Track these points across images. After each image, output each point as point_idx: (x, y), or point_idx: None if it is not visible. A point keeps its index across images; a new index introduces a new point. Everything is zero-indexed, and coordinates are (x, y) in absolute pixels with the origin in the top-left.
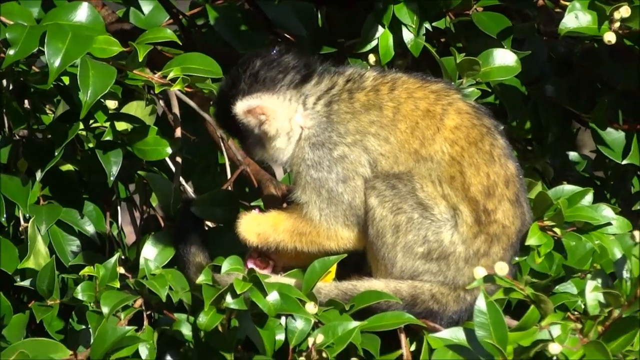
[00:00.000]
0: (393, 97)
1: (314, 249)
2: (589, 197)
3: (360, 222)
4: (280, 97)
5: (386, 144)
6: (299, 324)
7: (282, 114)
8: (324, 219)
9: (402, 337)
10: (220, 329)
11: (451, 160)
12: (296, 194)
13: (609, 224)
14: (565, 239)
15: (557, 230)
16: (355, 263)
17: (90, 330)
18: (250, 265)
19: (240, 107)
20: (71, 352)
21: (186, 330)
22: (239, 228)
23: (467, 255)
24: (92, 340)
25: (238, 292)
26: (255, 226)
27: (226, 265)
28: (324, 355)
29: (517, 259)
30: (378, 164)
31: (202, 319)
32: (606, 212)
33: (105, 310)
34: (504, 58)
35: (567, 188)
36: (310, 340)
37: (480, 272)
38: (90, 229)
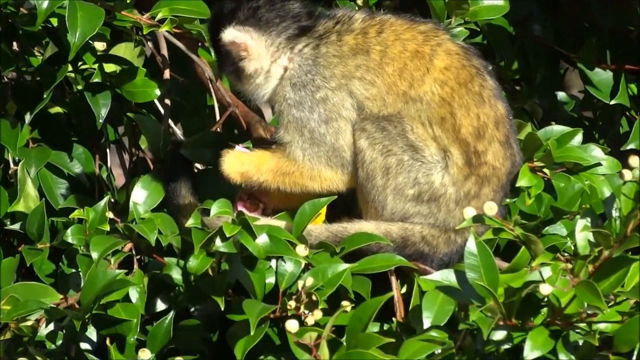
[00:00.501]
0: (381, 40)
1: (297, 190)
2: (578, 138)
3: (344, 164)
4: (269, 40)
5: (372, 87)
6: (288, 267)
7: (264, 57)
8: (307, 158)
9: (393, 279)
10: (210, 272)
11: (441, 101)
12: (279, 133)
13: (599, 164)
14: (555, 180)
15: (546, 171)
16: (345, 205)
17: (81, 273)
18: (240, 207)
19: (228, 35)
20: (61, 296)
21: (176, 274)
22: (222, 166)
23: (457, 197)
24: (82, 284)
25: (227, 235)
26: (239, 165)
27: (215, 208)
28: (314, 298)
29: (507, 200)
30: (365, 107)
31: (192, 262)
32: (596, 152)
33: (94, 255)
34: None
35: (557, 128)
36: (300, 283)
37: (469, 212)
38: (79, 171)
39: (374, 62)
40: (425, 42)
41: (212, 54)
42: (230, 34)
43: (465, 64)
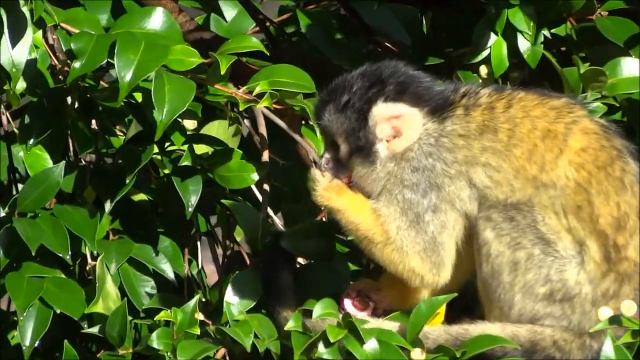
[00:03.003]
0: (509, 117)
1: (373, 258)
2: None
3: (437, 263)
4: (419, 115)
5: (498, 173)
6: None
7: (414, 133)
8: (400, 236)
9: None
10: None
11: (577, 187)
12: (379, 204)
13: None
14: None
15: None
16: (466, 304)
17: None
18: (347, 305)
19: (384, 110)
20: None
21: None
22: (317, 188)
23: (594, 296)
24: None
25: (332, 340)
26: (334, 196)
27: (318, 309)
28: None
29: None
30: (489, 194)
31: None
32: None
33: None
34: (633, 68)
35: None
36: None
37: (605, 312)
38: (166, 267)
39: (501, 143)
40: (558, 119)
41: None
42: (387, 109)
43: (605, 145)
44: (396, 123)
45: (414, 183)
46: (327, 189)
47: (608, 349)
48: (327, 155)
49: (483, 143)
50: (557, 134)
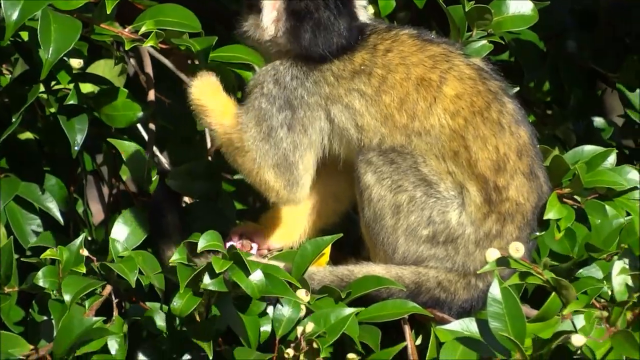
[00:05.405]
0: (385, 63)
1: (236, 167)
2: (611, 159)
3: (291, 181)
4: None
5: (360, 117)
6: (286, 311)
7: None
8: (254, 146)
9: (406, 328)
10: (197, 318)
11: (452, 134)
12: (240, 110)
13: (635, 188)
14: (588, 209)
15: (577, 198)
16: (353, 245)
17: (53, 321)
18: None
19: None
20: (32, 347)
21: (159, 321)
22: (192, 88)
23: (477, 237)
24: (55, 333)
25: (217, 272)
26: (209, 98)
27: (203, 241)
28: (315, 345)
29: (536, 234)
30: (351, 137)
31: (177, 303)
32: (631, 174)
33: (67, 298)
34: (519, 6)
35: (587, 149)
36: (299, 329)
37: (493, 254)
38: (52, 206)
39: (372, 88)
40: (434, 67)
41: None
42: (270, 9)
43: (481, 89)
44: (278, 23)
45: (272, 95)
46: (204, 84)
47: (495, 290)
48: None
49: (352, 85)
50: (432, 82)
